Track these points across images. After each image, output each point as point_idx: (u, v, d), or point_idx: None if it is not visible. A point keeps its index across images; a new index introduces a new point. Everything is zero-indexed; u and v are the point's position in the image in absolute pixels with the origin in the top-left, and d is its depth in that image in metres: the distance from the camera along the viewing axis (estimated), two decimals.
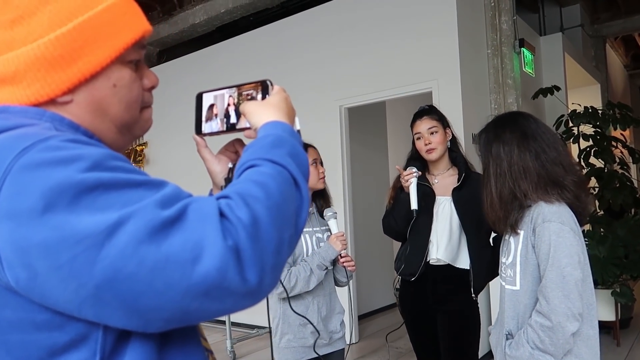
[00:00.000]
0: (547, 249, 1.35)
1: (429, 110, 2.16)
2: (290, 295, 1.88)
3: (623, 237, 3.74)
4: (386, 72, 4.13)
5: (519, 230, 1.46)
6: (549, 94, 4.75)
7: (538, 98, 4.85)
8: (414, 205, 2.01)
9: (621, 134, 4.81)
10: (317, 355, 1.90)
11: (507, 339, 1.46)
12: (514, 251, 1.48)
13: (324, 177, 2.01)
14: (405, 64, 4.03)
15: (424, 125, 2.10)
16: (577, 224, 1.42)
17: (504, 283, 1.54)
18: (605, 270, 3.57)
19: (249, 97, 0.85)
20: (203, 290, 0.51)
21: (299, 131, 0.87)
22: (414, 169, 2.04)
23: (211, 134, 0.88)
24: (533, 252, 1.42)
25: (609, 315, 3.91)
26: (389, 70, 4.12)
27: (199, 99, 0.91)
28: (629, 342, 3.98)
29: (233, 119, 0.85)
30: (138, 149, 6.07)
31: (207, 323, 5.17)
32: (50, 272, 0.50)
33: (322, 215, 2.04)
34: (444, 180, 2.14)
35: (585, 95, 6.65)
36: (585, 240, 3.99)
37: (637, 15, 7.47)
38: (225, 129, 0.86)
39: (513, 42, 4.25)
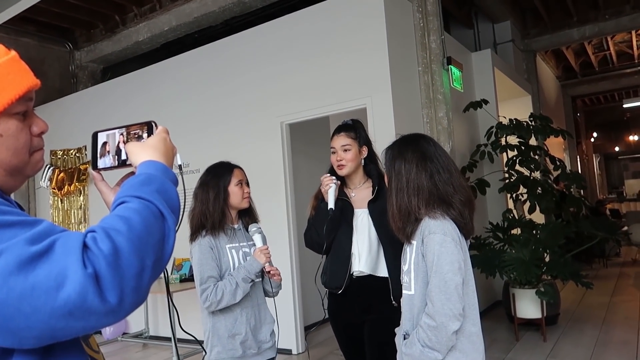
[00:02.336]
0: (432, 257, 1.52)
1: (347, 127, 2.26)
2: (217, 309, 1.98)
3: (543, 240, 4.04)
4: (324, 90, 4.31)
5: (412, 241, 1.63)
6: (478, 107, 5.07)
7: (469, 111, 5.16)
8: (330, 204, 2.11)
9: (543, 144, 5.16)
10: None
11: (404, 338, 1.61)
12: (409, 259, 1.65)
13: (248, 197, 2.12)
14: (341, 82, 4.22)
15: (339, 141, 2.22)
16: (460, 235, 1.59)
17: (403, 289, 1.70)
18: (529, 271, 3.84)
19: (136, 136, 0.96)
20: (67, 311, 0.63)
21: (180, 166, 0.99)
22: (334, 177, 2.16)
23: (105, 169, 0.99)
24: (423, 260, 1.58)
25: (536, 313, 4.20)
26: (326, 87, 4.30)
27: (94, 137, 1.01)
28: (555, 337, 4.28)
29: (124, 156, 0.97)
30: (82, 167, 5.99)
31: (154, 341, 5.16)
32: None
33: (248, 231, 2.15)
34: (360, 193, 2.25)
35: (516, 106, 7.08)
36: (513, 244, 4.22)
37: (562, 31, 8.05)
38: (117, 164, 0.98)
39: (442, 60, 4.53)
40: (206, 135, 4.99)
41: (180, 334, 4.13)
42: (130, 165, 0.94)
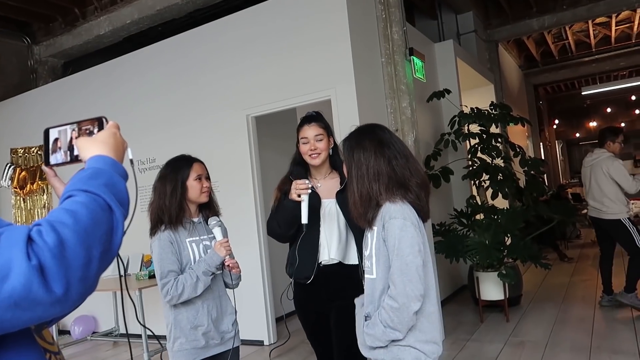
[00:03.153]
0: (393, 241, 1.58)
1: (316, 118, 2.29)
2: (179, 302, 2.00)
3: (504, 225, 4.19)
4: (288, 82, 4.33)
5: (374, 226, 1.68)
6: (442, 97, 5.18)
7: (433, 100, 5.27)
8: (304, 219, 2.11)
9: (504, 131, 5.32)
10: (209, 356, 2.04)
11: (366, 320, 1.68)
12: (370, 244, 1.70)
13: (207, 191, 2.13)
14: (305, 73, 4.25)
15: (312, 131, 2.24)
16: (419, 219, 1.66)
17: (364, 273, 1.76)
18: (490, 255, 3.98)
19: (87, 131, 0.98)
20: (12, 302, 0.65)
21: (131, 160, 1.01)
22: (307, 182, 2.14)
23: (57, 164, 1.00)
24: (384, 245, 1.64)
25: (498, 295, 4.35)
26: (291, 80, 4.32)
27: (46, 133, 1.02)
28: (517, 317, 4.45)
29: (76, 151, 0.98)
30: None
31: (124, 339, 5.11)
32: None
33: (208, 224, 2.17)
34: (327, 183, 2.29)
35: (480, 95, 7.24)
36: (475, 229, 4.34)
37: (522, 22, 8.26)
38: (69, 160, 0.99)
39: (404, 51, 4.60)
40: (172, 129, 4.94)
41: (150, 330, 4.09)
42: (81, 160, 0.96)
